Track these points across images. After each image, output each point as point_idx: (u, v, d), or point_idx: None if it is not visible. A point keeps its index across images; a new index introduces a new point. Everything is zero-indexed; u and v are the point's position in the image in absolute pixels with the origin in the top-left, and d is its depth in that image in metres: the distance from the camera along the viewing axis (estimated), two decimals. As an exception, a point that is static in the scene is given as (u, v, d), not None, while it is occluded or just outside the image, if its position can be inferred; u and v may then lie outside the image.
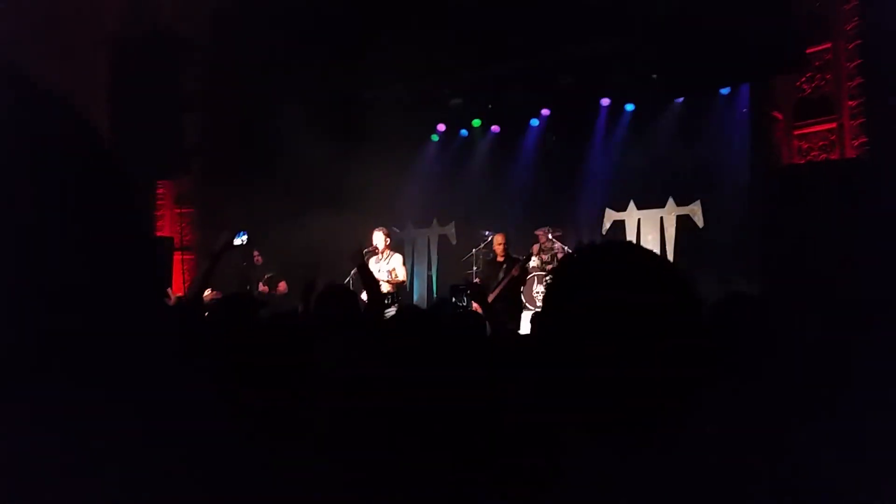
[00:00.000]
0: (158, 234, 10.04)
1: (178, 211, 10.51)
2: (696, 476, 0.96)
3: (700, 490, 0.94)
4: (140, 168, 9.12)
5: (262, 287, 8.76)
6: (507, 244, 7.99)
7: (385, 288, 7.50)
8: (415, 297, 11.35)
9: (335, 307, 3.21)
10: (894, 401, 1.62)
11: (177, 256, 10.02)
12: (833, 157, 6.64)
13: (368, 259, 7.74)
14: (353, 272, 7.66)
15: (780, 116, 7.38)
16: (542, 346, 1.04)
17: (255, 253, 8.87)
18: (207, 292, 4.60)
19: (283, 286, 8.72)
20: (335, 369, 2.54)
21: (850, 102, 6.72)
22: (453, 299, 7.36)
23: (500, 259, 7.90)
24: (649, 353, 0.94)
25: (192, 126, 9.94)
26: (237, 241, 5.81)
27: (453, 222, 11.67)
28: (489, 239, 10.17)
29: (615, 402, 0.96)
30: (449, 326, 3.01)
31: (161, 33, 9.38)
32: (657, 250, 9.81)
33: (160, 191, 10.39)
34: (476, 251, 10.23)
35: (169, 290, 9.14)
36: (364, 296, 7.68)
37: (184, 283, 9.98)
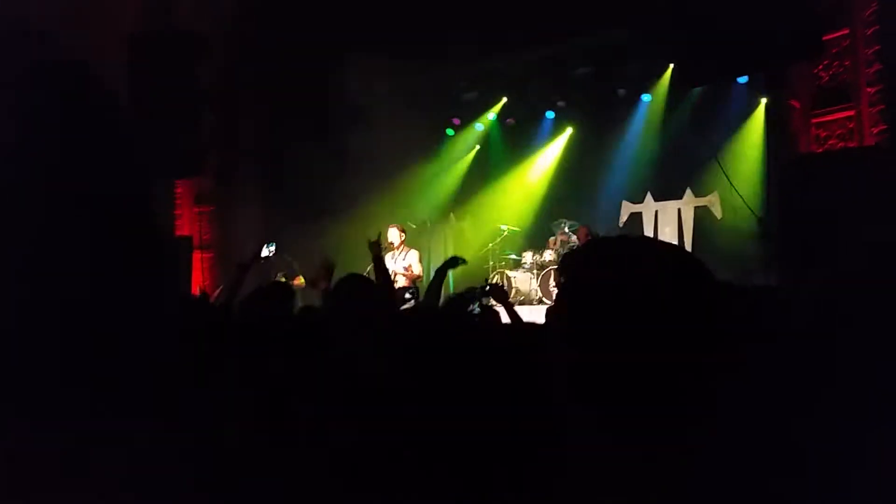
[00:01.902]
0: (178, 232, 10.13)
1: (197, 210, 10.59)
2: (720, 472, 0.96)
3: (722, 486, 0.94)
4: (159, 167, 9.19)
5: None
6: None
7: (402, 281, 7.54)
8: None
9: (354, 298, 3.20)
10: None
11: (196, 255, 10.11)
12: (852, 145, 6.56)
13: (384, 255, 7.79)
14: (369, 267, 7.70)
15: (797, 105, 7.29)
16: (560, 336, 1.04)
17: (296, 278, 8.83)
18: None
19: (299, 280, 8.78)
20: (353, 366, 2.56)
21: (869, 89, 6.62)
22: (471, 301, 7.36)
23: None
24: (670, 343, 0.95)
25: (210, 125, 10.01)
26: (265, 252, 5.85)
27: (469, 216, 11.67)
28: (504, 233, 10.16)
29: (636, 393, 0.96)
30: (462, 322, 3.02)
31: (179, 31, 9.43)
32: (675, 242, 9.76)
33: (178, 190, 10.47)
34: (492, 245, 10.23)
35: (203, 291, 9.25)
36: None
37: (203, 281, 10.08)
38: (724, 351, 1.00)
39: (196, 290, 9.75)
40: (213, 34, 9.76)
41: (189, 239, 9.85)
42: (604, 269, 1.03)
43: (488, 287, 4.42)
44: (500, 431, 1.93)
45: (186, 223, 10.45)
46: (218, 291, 9.26)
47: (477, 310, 3.61)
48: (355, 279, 3.20)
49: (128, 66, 9.40)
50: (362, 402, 2.19)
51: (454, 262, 4.37)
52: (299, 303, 4.40)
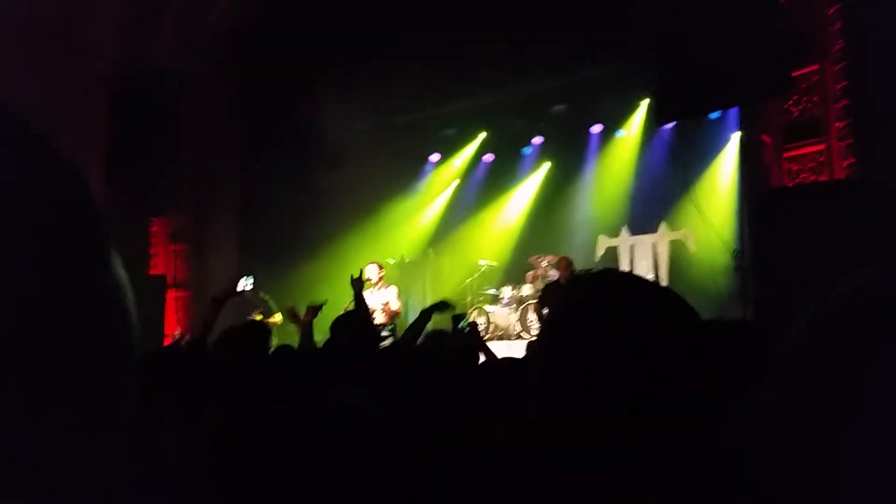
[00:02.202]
0: (153, 271, 10.02)
1: (173, 247, 10.49)
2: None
3: None
4: (134, 205, 9.14)
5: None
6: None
7: (380, 317, 7.49)
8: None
9: (349, 334, 3.19)
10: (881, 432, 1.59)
11: (171, 294, 9.99)
12: (822, 178, 6.67)
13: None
14: (349, 302, 7.66)
15: (768, 140, 7.42)
16: (544, 372, 1.03)
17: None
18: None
19: (275, 318, 8.69)
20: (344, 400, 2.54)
21: (838, 124, 6.76)
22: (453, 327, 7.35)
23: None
24: (654, 377, 0.94)
25: (185, 162, 9.98)
26: (242, 286, 5.79)
27: (448, 252, 11.68)
28: (483, 268, 10.17)
29: (621, 426, 0.95)
30: (443, 357, 3.01)
31: (156, 70, 9.45)
32: (651, 276, 9.82)
33: (154, 228, 10.39)
34: (470, 280, 10.22)
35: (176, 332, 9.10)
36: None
37: (178, 319, 9.94)
38: (706, 387, 0.99)
39: (171, 330, 9.62)
40: (190, 72, 9.80)
41: (162, 278, 9.74)
42: (587, 304, 1.03)
43: (467, 328, 4.40)
44: (478, 466, 1.90)
45: (162, 261, 10.33)
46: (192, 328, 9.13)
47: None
48: (354, 316, 3.19)
49: (105, 105, 9.40)
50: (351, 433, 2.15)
51: (443, 306, 4.34)
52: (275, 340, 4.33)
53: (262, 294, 8.69)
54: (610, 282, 1.06)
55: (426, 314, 4.16)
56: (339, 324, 3.20)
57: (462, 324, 4.24)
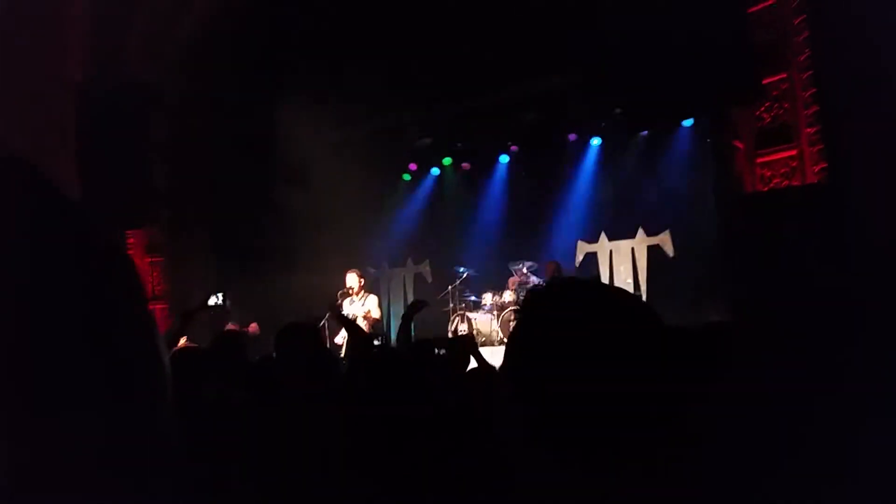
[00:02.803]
0: (130, 283, 9.90)
1: (149, 260, 10.39)
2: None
3: None
4: (109, 217, 9.04)
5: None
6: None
7: (362, 326, 7.51)
8: (392, 337, 11.30)
9: (297, 345, 3.16)
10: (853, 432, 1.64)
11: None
12: (795, 183, 6.80)
13: (343, 300, 7.75)
14: (327, 315, 7.64)
15: (741, 146, 7.56)
16: (511, 379, 1.05)
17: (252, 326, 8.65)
18: (182, 341, 4.59)
19: (254, 327, 8.64)
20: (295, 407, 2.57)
21: (808, 130, 6.91)
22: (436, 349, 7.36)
23: None
24: (620, 383, 0.95)
25: (161, 174, 9.90)
26: (212, 301, 5.78)
27: (427, 260, 11.69)
28: (464, 275, 10.20)
29: (586, 433, 0.97)
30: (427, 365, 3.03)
31: (129, 81, 9.37)
32: (630, 280, 9.91)
33: (130, 240, 10.28)
34: (452, 288, 10.25)
35: None
36: (339, 338, 7.65)
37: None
38: (674, 393, 1.02)
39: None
40: (162, 83, 9.74)
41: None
42: (552, 310, 1.04)
43: (458, 341, 4.45)
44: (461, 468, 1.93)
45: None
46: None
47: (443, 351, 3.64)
48: (298, 327, 3.17)
49: (77, 115, 9.29)
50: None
51: (420, 305, 4.37)
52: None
53: (236, 310, 8.64)
54: (576, 290, 1.07)
55: (407, 318, 4.19)
56: (287, 334, 3.15)
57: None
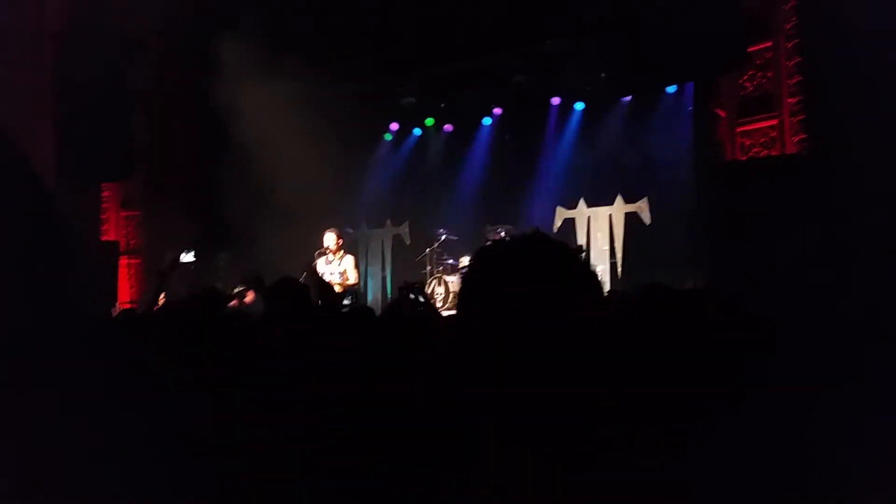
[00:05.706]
0: (104, 237, 9.79)
1: (124, 214, 10.26)
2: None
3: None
4: (84, 170, 8.89)
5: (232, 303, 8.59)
6: None
7: (336, 290, 7.48)
8: (369, 298, 11.30)
9: (286, 300, 3.20)
10: (826, 399, 1.66)
11: (122, 261, 9.78)
12: (774, 153, 6.83)
13: (318, 259, 7.70)
14: (303, 275, 7.60)
15: (723, 114, 7.56)
16: (459, 334, 1.05)
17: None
18: (161, 298, 4.57)
19: (251, 296, 8.57)
20: (279, 362, 2.57)
21: (790, 100, 6.92)
22: (412, 295, 7.39)
23: None
24: (559, 342, 0.97)
25: (138, 127, 9.72)
26: (185, 258, 5.73)
27: (407, 222, 11.64)
28: (442, 238, 10.19)
29: (527, 395, 0.98)
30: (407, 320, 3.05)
31: (108, 32, 9.13)
32: (606, 247, 9.96)
33: (105, 193, 10.13)
34: (430, 251, 10.24)
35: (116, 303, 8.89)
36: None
37: (130, 287, 9.75)
38: (622, 350, 1.03)
39: (124, 296, 9.44)
40: (143, 37, 9.50)
41: (115, 244, 9.54)
42: (489, 267, 1.06)
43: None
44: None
45: (113, 227, 10.10)
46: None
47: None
48: (288, 282, 3.18)
49: (53, 66, 9.06)
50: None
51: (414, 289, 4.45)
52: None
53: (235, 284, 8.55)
54: (521, 246, 1.07)
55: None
56: (276, 291, 3.19)
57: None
